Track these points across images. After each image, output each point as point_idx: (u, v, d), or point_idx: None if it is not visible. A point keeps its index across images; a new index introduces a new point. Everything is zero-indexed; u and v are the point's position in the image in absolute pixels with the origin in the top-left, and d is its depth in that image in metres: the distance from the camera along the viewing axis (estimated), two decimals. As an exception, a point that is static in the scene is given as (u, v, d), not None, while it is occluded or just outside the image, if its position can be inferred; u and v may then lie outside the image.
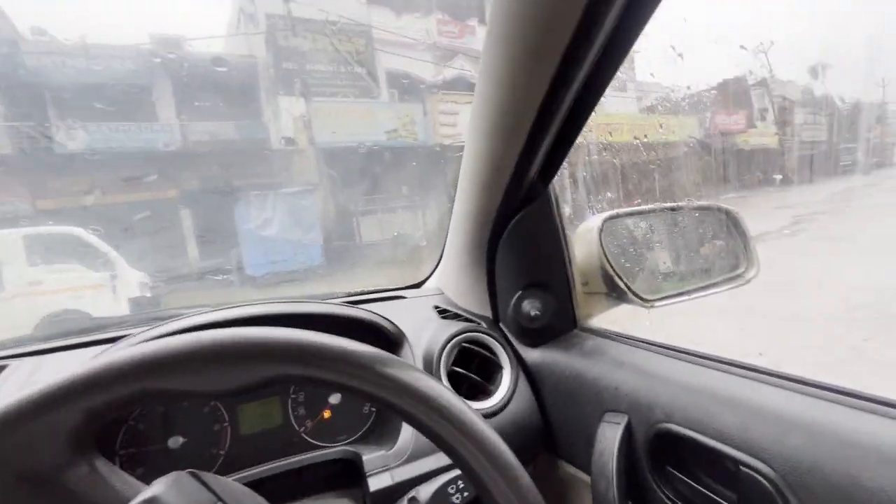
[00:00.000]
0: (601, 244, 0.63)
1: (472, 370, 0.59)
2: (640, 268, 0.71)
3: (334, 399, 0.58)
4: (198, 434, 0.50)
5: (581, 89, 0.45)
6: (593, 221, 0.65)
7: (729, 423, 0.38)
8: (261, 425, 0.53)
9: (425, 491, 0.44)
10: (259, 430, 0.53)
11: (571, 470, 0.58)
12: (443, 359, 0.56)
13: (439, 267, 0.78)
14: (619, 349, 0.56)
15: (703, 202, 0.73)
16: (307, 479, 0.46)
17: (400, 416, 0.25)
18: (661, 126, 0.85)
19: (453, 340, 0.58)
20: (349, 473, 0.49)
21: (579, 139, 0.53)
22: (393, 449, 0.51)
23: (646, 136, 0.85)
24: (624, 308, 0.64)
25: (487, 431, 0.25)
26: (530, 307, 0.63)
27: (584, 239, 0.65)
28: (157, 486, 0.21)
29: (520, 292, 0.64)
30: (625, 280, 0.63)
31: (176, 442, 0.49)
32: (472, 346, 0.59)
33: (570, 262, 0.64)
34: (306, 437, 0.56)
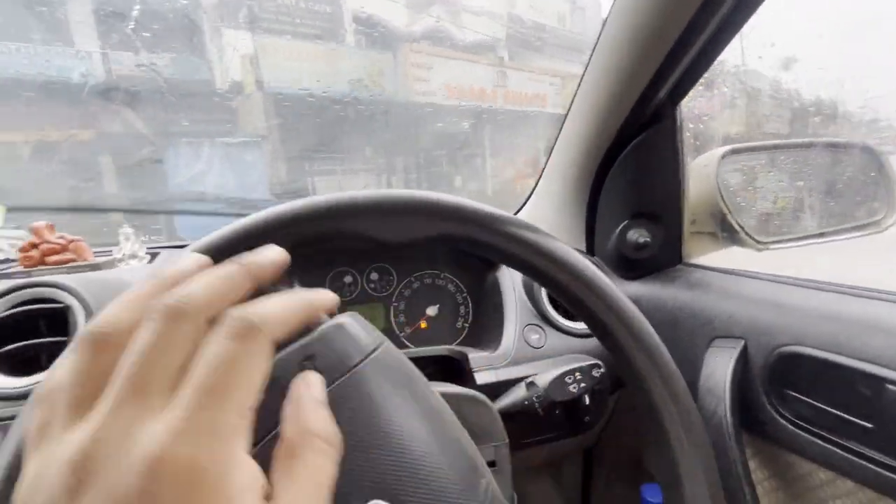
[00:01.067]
0: (717, 180, 0.61)
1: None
2: (757, 207, 0.69)
3: (431, 311, 0.66)
4: None
5: (734, 6, 0.45)
6: (711, 155, 0.63)
7: (875, 343, 0.37)
8: None
9: (542, 378, 0.48)
10: None
11: None
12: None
13: (526, 206, 0.80)
14: (730, 280, 0.55)
15: (841, 139, 0.70)
16: None
17: (548, 285, 0.29)
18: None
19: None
20: (454, 372, 0.53)
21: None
22: (496, 352, 0.55)
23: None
24: (732, 250, 0.62)
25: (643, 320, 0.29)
26: (637, 236, 0.62)
27: (698, 174, 0.63)
28: (344, 318, 0.25)
29: (626, 221, 0.64)
30: (738, 219, 0.62)
31: None
32: None
33: (685, 192, 0.63)
34: (405, 342, 0.62)
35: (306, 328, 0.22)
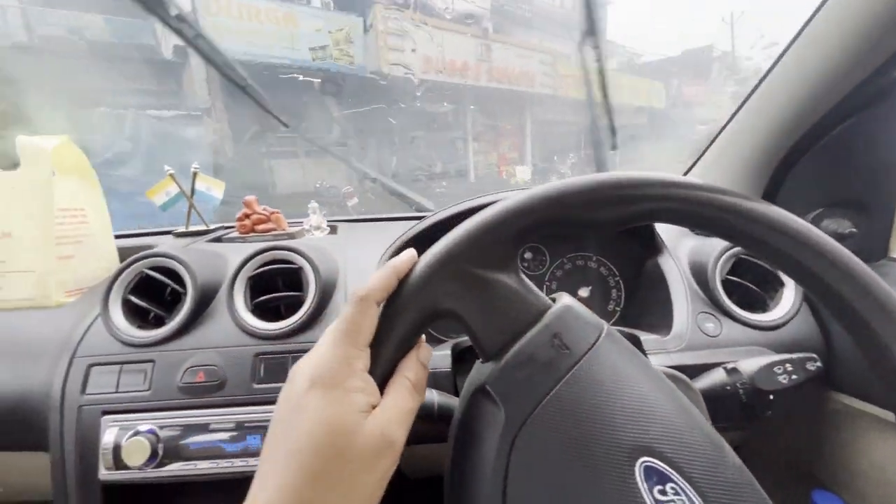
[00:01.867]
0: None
1: (748, 281, 0.61)
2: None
3: (583, 292, 0.69)
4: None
5: None
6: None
7: None
8: None
9: (747, 365, 0.46)
10: None
11: (857, 404, 0.59)
12: (718, 266, 0.60)
13: None
14: None
15: None
16: None
17: (774, 261, 0.26)
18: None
19: (732, 250, 0.60)
20: None
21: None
22: (667, 337, 0.55)
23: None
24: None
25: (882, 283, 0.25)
26: (836, 226, 0.60)
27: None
28: (567, 299, 0.28)
29: (820, 210, 0.61)
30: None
31: None
32: (751, 259, 0.61)
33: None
34: None
35: (540, 311, 0.27)
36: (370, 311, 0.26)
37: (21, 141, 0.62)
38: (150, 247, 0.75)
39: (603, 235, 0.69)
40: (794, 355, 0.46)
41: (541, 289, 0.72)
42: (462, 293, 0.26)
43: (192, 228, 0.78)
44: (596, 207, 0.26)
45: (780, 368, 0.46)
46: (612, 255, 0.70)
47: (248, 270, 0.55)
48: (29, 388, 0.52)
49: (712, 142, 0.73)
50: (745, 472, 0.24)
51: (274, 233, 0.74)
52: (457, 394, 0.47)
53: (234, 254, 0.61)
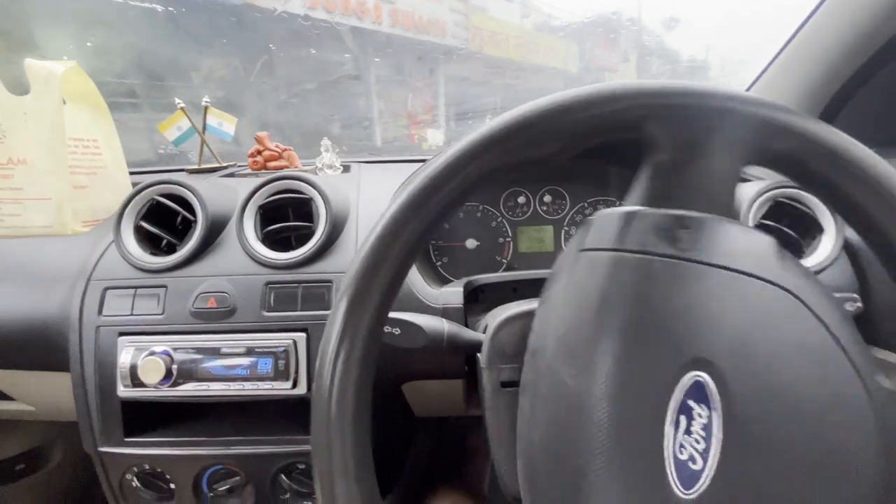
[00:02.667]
0: None
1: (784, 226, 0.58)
2: None
3: None
4: (487, 242, 0.69)
5: None
6: None
7: None
8: (536, 247, 0.69)
9: None
10: (534, 251, 0.69)
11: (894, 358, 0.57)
12: (753, 209, 0.54)
13: None
14: None
15: None
16: None
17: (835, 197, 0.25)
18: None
19: (769, 193, 0.55)
20: None
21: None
22: None
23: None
24: None
25: None
26: None
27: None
28: None
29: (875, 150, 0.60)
30: None
31: (472, 244, 0.68)
32: (791, 203, 0.57)
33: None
34: None
35: None
36: None
37: (30, 64, 0.61)
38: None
39: (628, 177, 0.65)
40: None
41: (559, 235, 0.70)
42: None
43: (205, 165, 0.77)
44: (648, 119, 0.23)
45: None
46: None
47: (258, 199, 0.54)
48: (49, 312, 0.54)
49: (775, 58, 0.65)
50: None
51: (285, 170, 0.72)
52: None
53: (245, 186, 0.60)
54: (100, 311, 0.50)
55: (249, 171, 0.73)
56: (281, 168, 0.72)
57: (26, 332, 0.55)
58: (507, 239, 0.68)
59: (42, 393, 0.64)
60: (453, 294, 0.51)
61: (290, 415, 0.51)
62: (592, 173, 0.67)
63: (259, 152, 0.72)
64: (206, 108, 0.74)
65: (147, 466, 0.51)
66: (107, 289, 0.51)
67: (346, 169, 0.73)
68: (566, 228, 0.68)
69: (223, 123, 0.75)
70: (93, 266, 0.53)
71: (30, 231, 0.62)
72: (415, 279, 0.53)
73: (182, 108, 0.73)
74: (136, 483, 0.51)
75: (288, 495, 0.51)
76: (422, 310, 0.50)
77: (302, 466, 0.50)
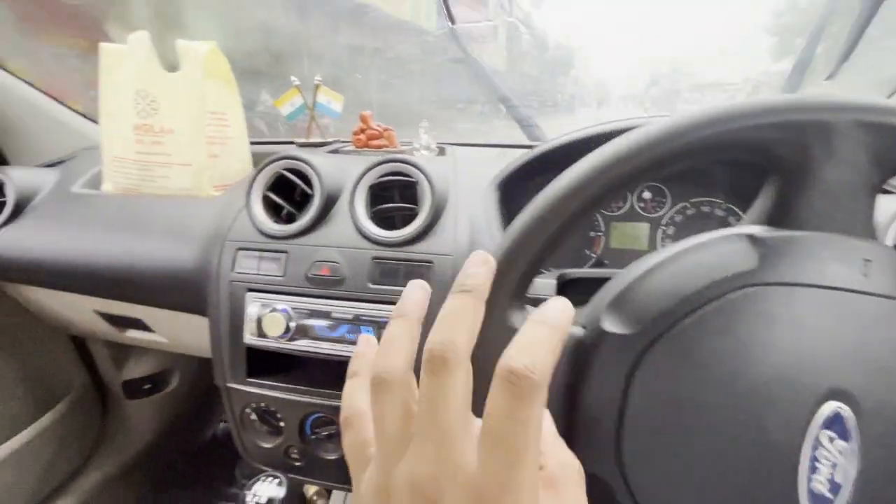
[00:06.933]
0: None
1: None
2: None
3: None
4: (576, 235, 0.67)
5: None
6: None
7: None
8: (629, 244, 0.68)
9: None
10: (626, 248, 0.67)
11: None
12: (894, 225, 0.53)
13: None
14: None
15: None
16: None
17: None
18: None
19: None
20: None
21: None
22: None
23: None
24: None
25: None
26: None
27: None
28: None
29: None
30: None
31: None
32: None
33: None
34: None
35: None
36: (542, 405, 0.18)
37: (180, 45, 0.70)
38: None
39: (736, 178, 0.61)
40: None
41: (655, 234, 0.68)
42: None
43: (312, 140, 0.84)
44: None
45: None
46: (746, 203, 0.62)
47: (369, 179, 0.58)
48: (188, 264, 0.64)
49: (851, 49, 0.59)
50: None
51: (385, 150, 0.77)
52: None
53: (355, 164, 0.65)
54: (232, 268, 0.59)
55: (353, 148, 0.78)
56: (381, 147, 0.77)
57: (169, 278, 0.65)
58: (599, 233, 0.67)
59: (176, 329, 0.77)
60: (545, 286, 0.53)
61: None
62: (697, 171, 0.63)
63: (362, 130, 0.77)
64: (316, 86, 0.80)
65: (263, 404, 0.60)
66: (238, 249, 0.59)
67: (442, 151, 0.76)
68: (663, 227, 0.65)
69: (332, 101, 0.81)
70: (227, 228, 0.61)
71: (174, 192, 0.73)
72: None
73: (297, 86, 0.79)
74: (253, 416, 0.60)
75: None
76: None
77: None
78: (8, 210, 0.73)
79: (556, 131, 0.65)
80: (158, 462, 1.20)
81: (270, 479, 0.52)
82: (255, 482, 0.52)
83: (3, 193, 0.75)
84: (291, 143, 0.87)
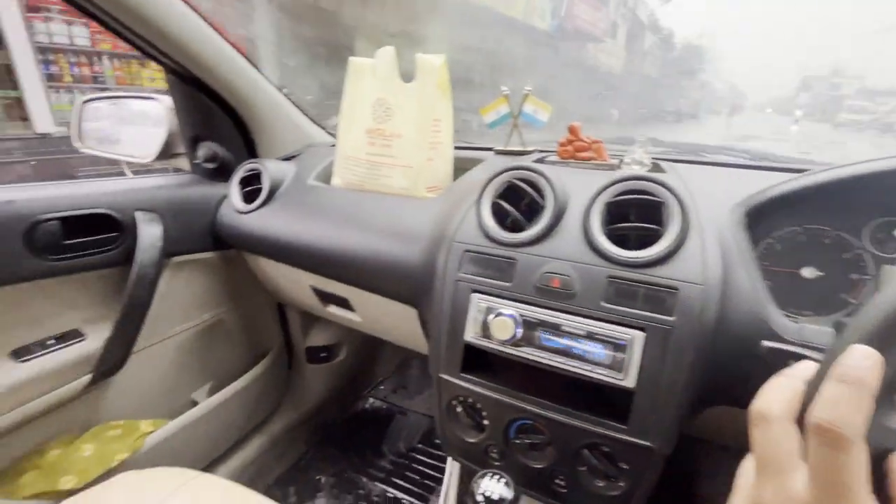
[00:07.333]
0: None
1: None
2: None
3: (807, 272, 0.58)
4: (834, 275, 0.56)
5: None
6: None
7: None
8: None
9: None
10: None
11: None
12: None
13: None
14: None
15: None
16: None
17: None
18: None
19: None
20: None
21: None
22: None
23: None
24: None
25: None
26: None
27: None
28: None
29: None
30: None
31: (810, 273, 0.57)
32: None
33: None
34: None
35: None
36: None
37: (420, 57, 0.77)
38: (477, 160, 0.86)
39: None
40: None
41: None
42: None
43: (511, 148, 0.86)
44: None
45: None
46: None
47: (607, 195, 0.57)
48: (414, 259, 0.70)
49: None
50: None
51: (594, 162, 0.75)
52: None
53: (578, 178, 0.65)
54: (458, 268, 0.63)
55: (556, 158, 0.78)
56: (589, 160, 0.75)
57: (391, 270, 0.72)
58: (865, 276, 0.57)
59: (378, 312, 0.85)
60: (818, 333, 0.46)
61: (604, 398, 0.56)
62: None
63: (570, 142, 0.77)
64: (525, 96, 0.81)
65: (471, 399, 0.63)
66: (466, 251, 0.63)
67: (657, 167, 0.72)
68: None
69: (538, 111, 0.82)
70: (454, 230, 0.65)
71: (394, 190, 0.81)
72: (768, 303, 0.49)
73: (505, 95, 0.82)
74: (459, 409, 0.64)
75: (585, 468, 0.57)
76: (770, 339, 0.47)
77: (606, 449, 0.55)
78: (263, 195, 0.89)
79: (679, 138, 0.58)
80: (319, 423, 1.36)
81: (498, 477, 0.54)
82: (481, 477, 0.55)
83: (259, 181, 0.91)
84: (490, 149, 0.90)
